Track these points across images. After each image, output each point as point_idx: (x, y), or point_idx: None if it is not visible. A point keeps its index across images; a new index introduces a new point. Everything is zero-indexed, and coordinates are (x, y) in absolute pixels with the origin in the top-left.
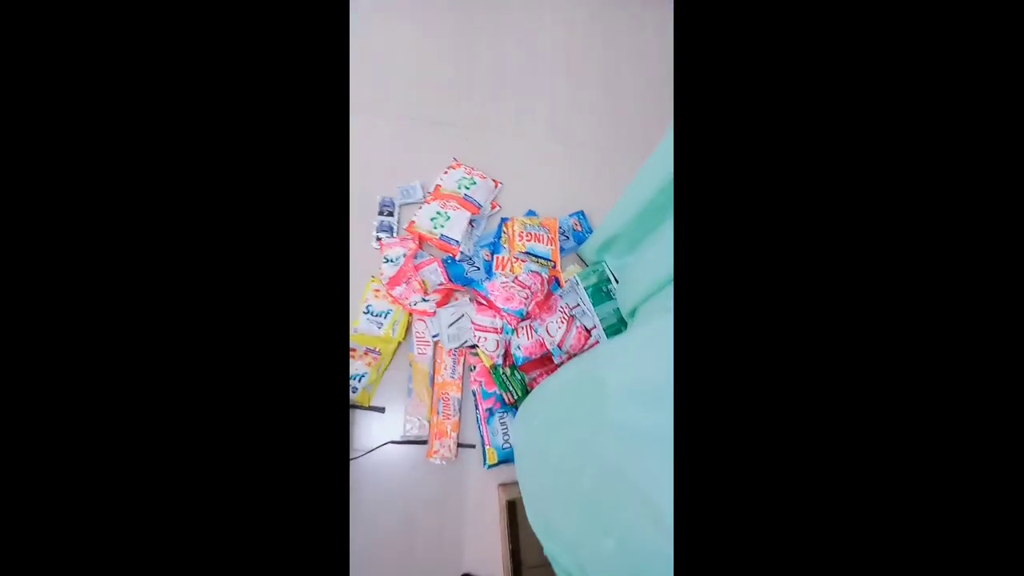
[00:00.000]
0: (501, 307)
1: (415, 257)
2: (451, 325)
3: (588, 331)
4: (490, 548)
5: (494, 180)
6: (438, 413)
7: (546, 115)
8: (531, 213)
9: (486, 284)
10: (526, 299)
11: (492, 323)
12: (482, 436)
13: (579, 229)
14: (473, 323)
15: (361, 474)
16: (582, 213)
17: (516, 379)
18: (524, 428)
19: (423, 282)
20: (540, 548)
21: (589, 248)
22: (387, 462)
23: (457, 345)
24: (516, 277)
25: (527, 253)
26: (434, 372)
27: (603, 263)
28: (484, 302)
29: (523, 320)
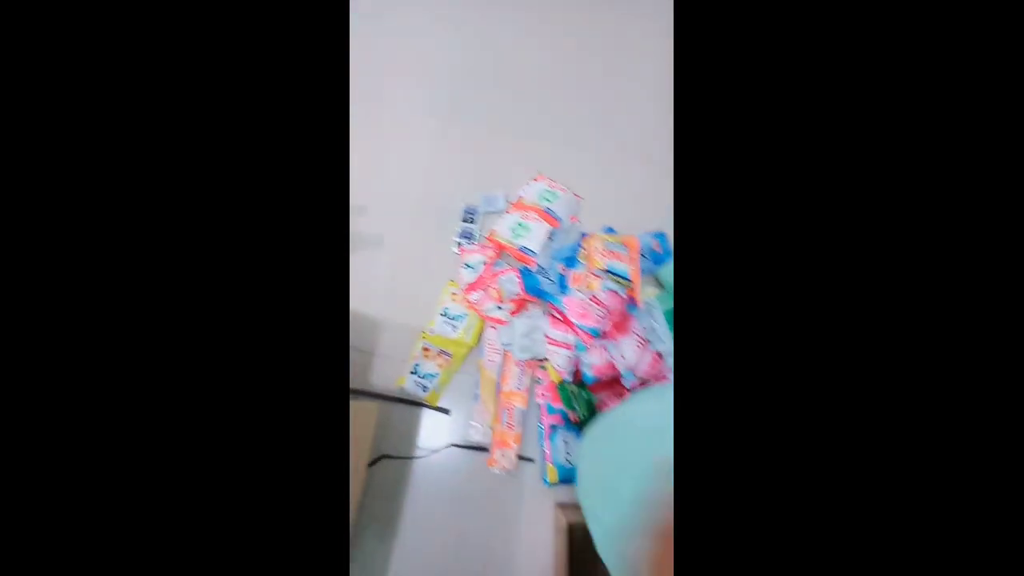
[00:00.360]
0: (576, 323)
1: (493, 265)
2: (523, 336)
3: (661, 357)
4: (540, 565)
5: (575, 194)
6: (502, 422)
7: (632, 132)
8: (609, 230)
9: (563, 299)
10: (602, 317)
11: (565, 338)
12: (544, 452)
13: (658, 250)
14: (547, 336)
15: (421, 473)
16: (663, 235)
17: (583, 398)
18: (589, 457)
19: (499, 290)
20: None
21: (668, 271)
22: (448, 465)
23: (528, 356)
24: (593, 294)
25: (606, 271)
26: (501, 381)
27: None
28: (559, 316)
29: (596, 338)
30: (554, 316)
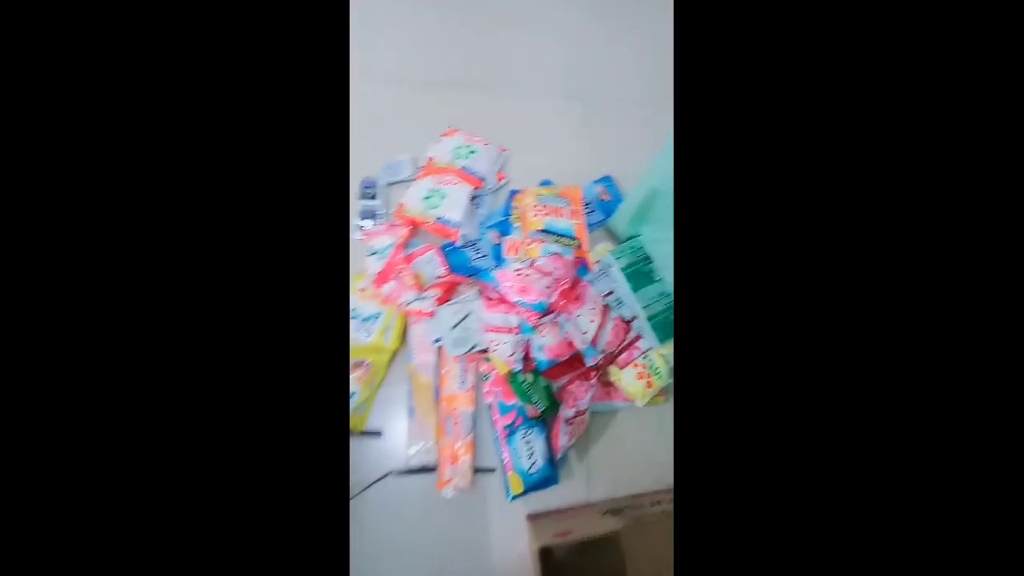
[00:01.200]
0: (516, 300)
1: (405, 246)
2: (455, 327)
3: (627, 323)
4: None
5: (499, 147)
6: (447, 434)
7: (560, 66)
8: (547, 183)
9: (495, 273)
10: (547, 288)
11: (506, 321)
12: (503, 460)
13: (607, 198)
14: (482, 323)
15: (359, 515)
16: (609, 179)
17: (540, 387)
18: None
19: (417, 276)
20: None
21: (621, 218)
22: (390, 498)
23: (464, 350)
24: (533, 262)
25: (544, 231)
26: (439, 384)
27: (639, 237)
28: (495, 296)
29: (545, 315)
30: (489, 297)
